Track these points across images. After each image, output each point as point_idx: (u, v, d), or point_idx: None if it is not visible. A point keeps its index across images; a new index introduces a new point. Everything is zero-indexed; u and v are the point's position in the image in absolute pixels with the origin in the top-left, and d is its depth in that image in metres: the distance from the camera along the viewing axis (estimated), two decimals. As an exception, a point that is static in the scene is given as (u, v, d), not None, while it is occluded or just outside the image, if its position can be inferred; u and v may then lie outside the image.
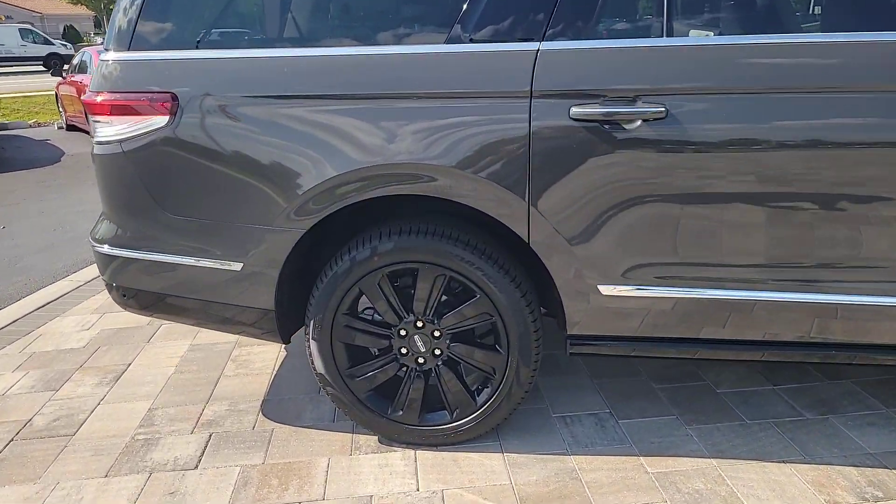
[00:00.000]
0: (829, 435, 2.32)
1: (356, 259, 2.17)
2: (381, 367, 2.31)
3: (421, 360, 2.29)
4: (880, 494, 2.02)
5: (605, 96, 1.90)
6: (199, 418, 2.62)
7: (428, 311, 2.22)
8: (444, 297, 2.22)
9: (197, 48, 2.13)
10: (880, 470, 2.13)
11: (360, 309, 2.35)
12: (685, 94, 1.87)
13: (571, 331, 2.17)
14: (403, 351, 2.29)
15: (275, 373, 2.94)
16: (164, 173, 2.20)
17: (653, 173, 1.91)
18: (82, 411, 2.71)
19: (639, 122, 1.89)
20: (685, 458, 2.23)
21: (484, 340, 2.31)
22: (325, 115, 2.04)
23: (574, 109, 1.91)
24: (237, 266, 2.23)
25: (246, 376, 2.93)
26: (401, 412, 2.32)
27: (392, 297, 2.22)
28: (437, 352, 2.27)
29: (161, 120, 2.15)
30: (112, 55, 2.20)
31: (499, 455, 2.29)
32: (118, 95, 2.17)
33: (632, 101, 1.89)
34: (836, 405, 2.51)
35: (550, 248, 2.05)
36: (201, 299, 2.33)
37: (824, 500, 2.01)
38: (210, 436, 2.50)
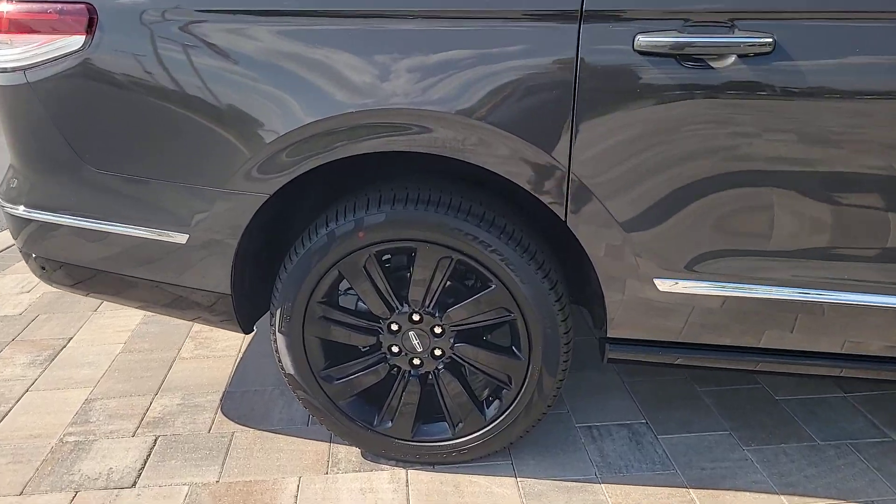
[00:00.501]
0: (922, 465, 1.87)
1: (336, 234, 1.65)
2: (367, 368, 1.82)
3: (417, 362, 1.81)
4: None
5: (686, 20, 1.35)
6: (144, 415, 2.15)
7: (428, 303, 1.72)
8: (448, 284, 1.71)
9: (122, -60, 1.55)
10: None
11: (340, 293, 1.85)
12: (805, 20, 1.32)
13: (612, 333, 1.68)
14: (395, 349, 1.80)
15: (241, 356, 2.46)
16: (81, 114, 1.65)
17: (748, 130, 1.39)
18: (6, 400, 2.24)
19: (733, 59, 1.35)
20: (747, 494, 1.77)
21: (495, 340, 1.82)
22: (297, 40, 1.49)
23: (641, 38, 1.36)
24: (181, 238, 1.71)
25: (206, 359, 2.45)
26: (390, 423, 1.85)
27: (382, 283, 1.72)
28: (438, 352, 1.78)
29: (74, 41, 1.59)
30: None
31: (511, 480, 1.84)
32: (19, 7, 1.61)
33: (726, 27, 1.34)
34: (924, 422, 2.06)
35: (594, 228, 1.54)
36: (141, 277, 1.82)
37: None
38: (156, 440, 2.03)
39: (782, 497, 1.76)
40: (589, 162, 1.47)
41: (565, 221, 1.55)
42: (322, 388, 1.83)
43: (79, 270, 1.88)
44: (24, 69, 1.65)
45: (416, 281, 1.69)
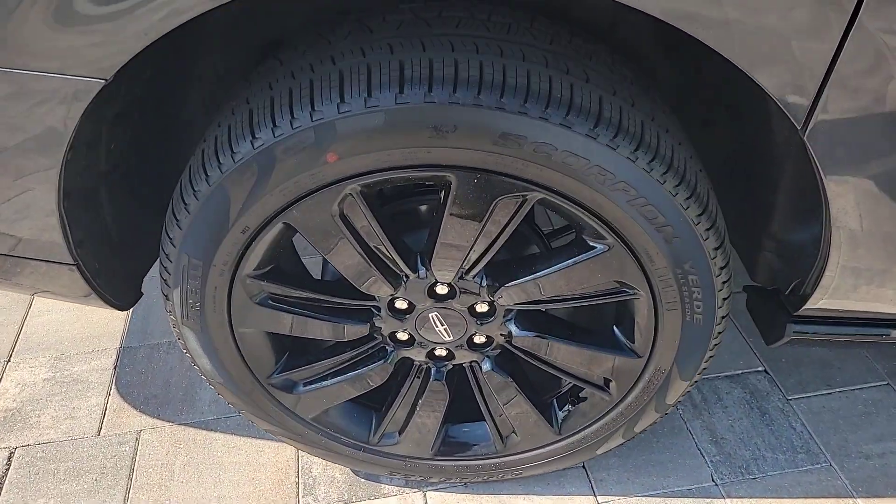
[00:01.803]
0: None
1: (275, 153, 0.76)
2: (354, 370, 1.03)
3: (442, 353, 1.03)
4: None
5: None
6: (-11, 409, 1.35)
7: (471, 270, 0.89)
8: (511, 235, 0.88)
9: None
10: None
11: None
12: None
13: (815, 303, 0.91)
14: (403, 337, 1.00)
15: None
16: None
17: None
18: None
19: None
20: (944, 505, 1.18)
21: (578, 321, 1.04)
22: None
23: None
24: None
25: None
26: (397, 439, 1.12)
27: (376, 236, 0.86)
28: (481, 340, 1.00)
29: None
30: None
31: (589, 500, 1.18)
32: None
33: None
34: None
35: (867, 141, 0.70)
36: None
37: None
38: (10, 457, 1.26)
39: None
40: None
41: (804, 128, 0.69)
42: (277, 401, 1.06)
43: None
44: None
45: (448, 234, 0.84)
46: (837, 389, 1.37)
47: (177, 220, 0.85)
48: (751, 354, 1.44)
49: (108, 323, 1.53)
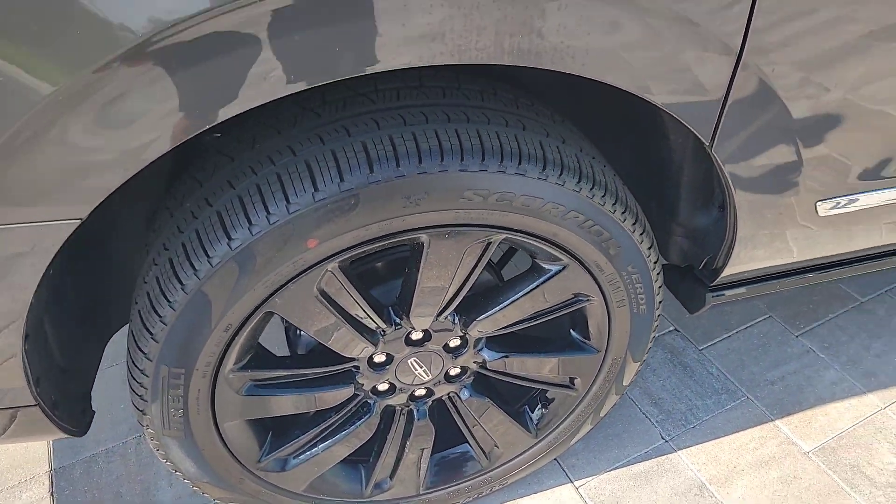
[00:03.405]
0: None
1: (253, 250, 0.77)
2: (341, 431, 1.06)
3: (421, 392, 1.08)
4: None
5: None
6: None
7: (444, 313, 0.95)
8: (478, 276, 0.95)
9: None
10: None
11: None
12: None
13: (729, 272, 1.07)
14: (382, 387, 1.05)
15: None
16: None
17: None
18: None
19: None
20: (836, 405, 1.42)
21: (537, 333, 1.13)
22: None
23: None
24: None
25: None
26: (389, 485, 1.16)
27: (356, 305, 0.90)
28: (456, 371, 1.07)
29: None
30: None
31: (568, 489, 1.29)
32: None
33: None
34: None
35: (756, 148, 0.85)
36: None
37: None
38: None
39: (869, 395, 1.44)
40: (774, 40, 0.74)
41: (710, 147, 0.83)
42: (268, 483, 1.05)
43: None
44: None
45: (427, 286, 0.90)
46: (734, 331, 1.59)
47: (151, 334, 0.83)
48: (661, 318, 1.62)
49: (28, 448, 1.41)
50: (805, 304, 1.65)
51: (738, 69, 0.75)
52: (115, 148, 0.63)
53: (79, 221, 0.67)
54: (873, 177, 0.96)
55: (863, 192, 0.98)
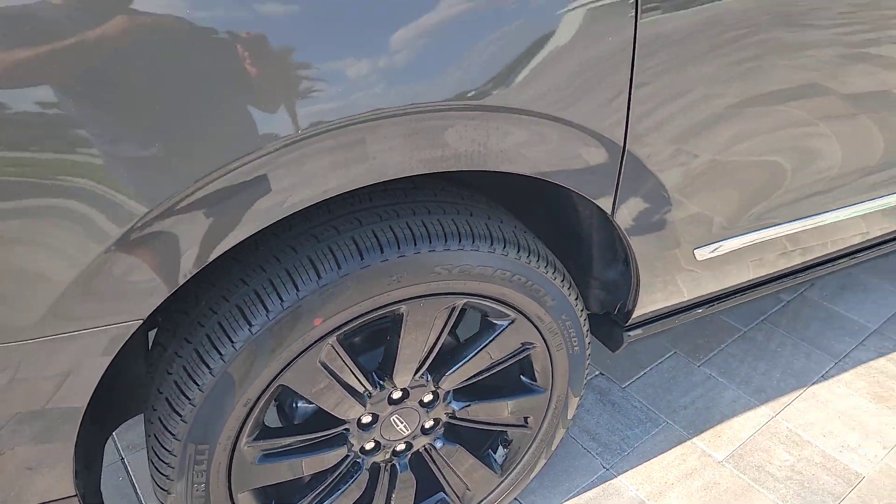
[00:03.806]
0: (822, 318, 2.00)
1: (270, 333, 0.95)
2: (339, 492, 1.20)
3: (402, 447, 1.25)
4: (932, 385, 1.78)
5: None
6: None
7: (420, 372, 1.15)
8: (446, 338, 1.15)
9: None
10: (897, 349, 1.89)
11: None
12: None
13: (638, 314, 1.34)
14: (369, 446, 1.21)
15: None
16: None
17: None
18: None
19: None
20: (737, 418, 1.69)
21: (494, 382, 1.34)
22: None
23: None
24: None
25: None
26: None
27: (350, 372, 1.08)
28: (430, 424, 1.25)
29: None
30: None
31: (530, 520, 1.47)
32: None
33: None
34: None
35: (646, 213, 1.13)
36: None
37: (898, 415, 1.69)
38: None
39: (762, 407, 1.73)
40: (648, 131, 1.02)
41: (612, 215, 1.10)
42: (275, 547, 1.17)
43: None
44: None
45: (407, 351, 1.10)
46: (648, 368, 1.86)
47: (180, 416, 0.97)
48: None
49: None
50: (701, 338, 1.95)
51: (625, 155, 1.03)
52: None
53: (140, 321, 0.83)
54: (732, 226, 1.26)
55: (725, 239, 1.28)
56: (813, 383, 1.79)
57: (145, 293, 0.81)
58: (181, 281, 0.82)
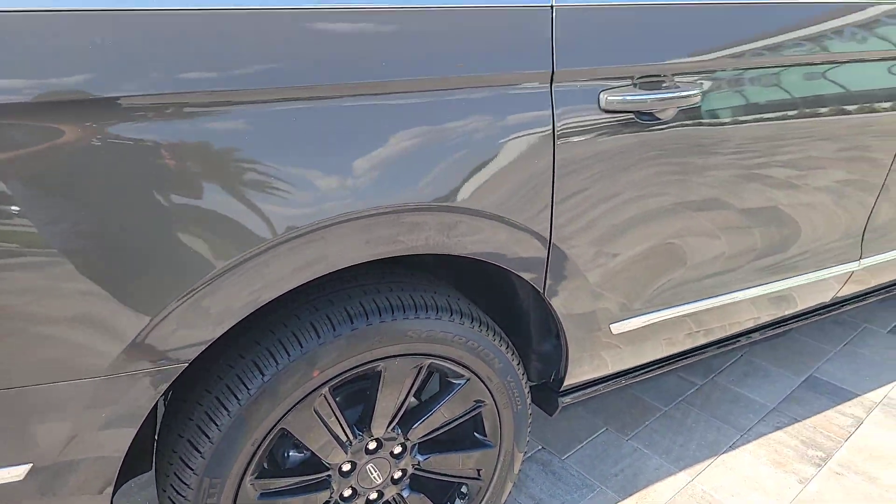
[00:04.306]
0: (729, 400, 2.33)
1: (277, 383, 1.20)
2: (320, 533, 1.41)
3: (374, 496, 1.47)
4: (821, 454, 2.10)
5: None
6: None
7: (392, 423, 1.40)
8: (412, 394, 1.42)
9: None
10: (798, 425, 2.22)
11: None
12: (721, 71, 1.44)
13: (569, 382, 1.63)
14: (348, 493, 1.43)
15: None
16: None
17: (687, 174, 1.47)
18: None
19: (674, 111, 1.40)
20: (660, 483, 1.96)
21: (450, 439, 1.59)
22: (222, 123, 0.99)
23: (606, 96, 1.30)
24: (18, 471, 1.03)
25: None
26: (351, 584, 1.47)
27: (336, 422, 1.33)
28: (398, 474, 1.48)
29: None
30: None
31: (484, 573, 1.66)
32: None
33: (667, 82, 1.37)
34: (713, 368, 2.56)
35: (568, 293, 1.45)
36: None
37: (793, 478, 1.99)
38: None
39: (681, 473, 2.00)
40: (568, 229, 1.36)
41: (543, 293, 1.42)
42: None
43: None
44: None
45: (383, 403, 1.35)
46: (584, 442, 2.12)
47: (199, 452, 1.19)
48: (532, 442, 2.12)
49: None
50: (628, 416, 2.23)
51: (551, 247, 1.37)
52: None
53: (186, 364, 1.08)
54: (640, 305, 1.60)
55: (636, 316, 1.61)
56: (723, 452, 2.08)
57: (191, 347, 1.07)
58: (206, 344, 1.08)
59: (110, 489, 1.12)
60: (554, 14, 1.21)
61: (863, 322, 2.84)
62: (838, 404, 2.31)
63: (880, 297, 2.36)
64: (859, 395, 2.36)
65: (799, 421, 2.23)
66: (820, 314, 2.18)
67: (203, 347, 1.08)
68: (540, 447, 2.10)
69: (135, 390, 1.05)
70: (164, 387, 1.08)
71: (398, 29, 1.08)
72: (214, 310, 1.05)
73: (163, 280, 0.99)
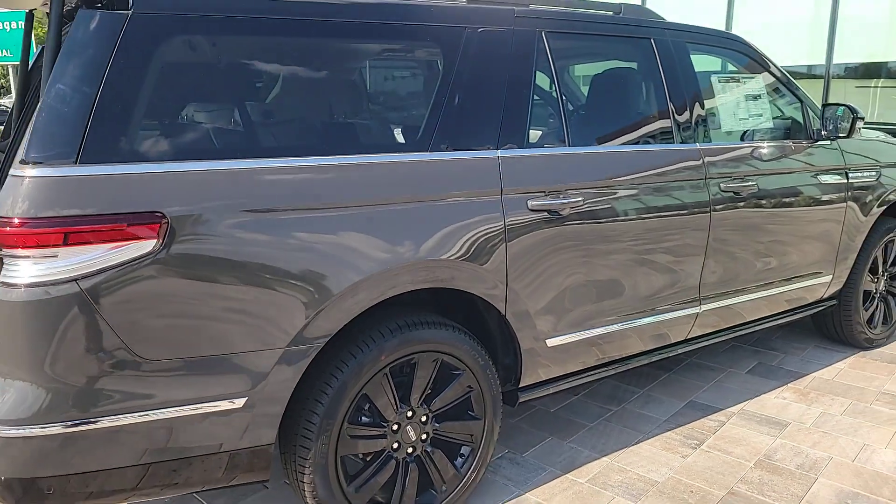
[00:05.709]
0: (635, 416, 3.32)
1: (363, 362, 2.16)
2: (379, 469, 2.29)
3: (410, 450, 2.37)
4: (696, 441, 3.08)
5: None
6: None
7: (421, 398, 2.34)
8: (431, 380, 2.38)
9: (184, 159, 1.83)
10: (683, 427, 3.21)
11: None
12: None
13: (524, 382, 2.61)
14: (395, 446, 2.33)
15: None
16: (148, 309, 1.77)
17: (581, 246, 2.58)
18: None
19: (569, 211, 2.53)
20: (589, 465, 2.90)
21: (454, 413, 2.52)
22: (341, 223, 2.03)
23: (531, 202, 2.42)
24: (239, 402, 1.94)
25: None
26: (399, 508, 2.33)
27: (392, 393, 2.26)
28: (424, 436, 2.39)
29: (146, 245, 1.75)
30: (51, 170, 1.67)
31: (479, 514, 2.52)
32: (75, 220, 1.67)
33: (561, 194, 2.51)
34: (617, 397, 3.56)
35: (519, 316, 2.48)
36: (175, 458, 1.90)
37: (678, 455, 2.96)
38: None
39: (604, 458, 2.94)
40: (516, 276, 2.42)
41: (505, 316, 2.44)
42: (350, 502, 2.21)
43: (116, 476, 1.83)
44: (76, 279, 1.68)
45: (417, 383, 2.30)
46: (536, 445, 3.04)
47: (321, 402, 2.10)
48: (499, 448, 3.03)
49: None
50: (565, 429, 3.17)
51: (508, 289, 2.42)
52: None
53: (323, 342, 2.03)
54: (563, 327, 2.62)
55: (562, 335, 2.64)
56: (632, 445, 3.04)
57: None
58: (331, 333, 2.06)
59: (278, 421, 2.02)
60: (500, 160, 2.36)
61: (728, 367, 3.94)
62: (709, 415, 3.34)
63: (722, 338, 3.44)
64: (723, 409, 3.39)
65: (683, 425, 3.23)
66: (686, 347, 3.25)
67: (330, 336, 2.04)
68: (507, 450, 3.01)
69: (297, 357, 1.99)
70: (312, 357, 2.02)
71: (433, 170, 2.19)
72: (335, 315, 2.04)
73: (317, 296, 1.98)
